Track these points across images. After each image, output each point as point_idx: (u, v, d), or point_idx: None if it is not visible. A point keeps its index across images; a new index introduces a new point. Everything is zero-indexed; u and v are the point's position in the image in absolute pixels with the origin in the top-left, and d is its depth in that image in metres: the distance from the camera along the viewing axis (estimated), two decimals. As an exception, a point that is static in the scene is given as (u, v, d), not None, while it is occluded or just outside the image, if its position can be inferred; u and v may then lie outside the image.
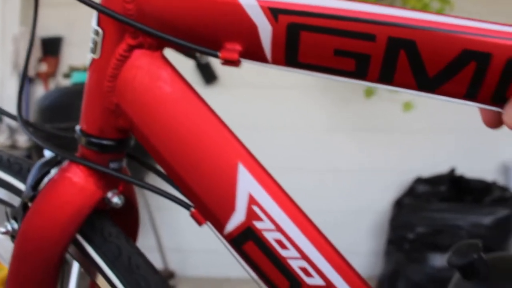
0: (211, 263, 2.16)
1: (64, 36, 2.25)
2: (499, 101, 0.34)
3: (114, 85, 0.44)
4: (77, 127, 0.48)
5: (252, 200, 0.41)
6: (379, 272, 2.08)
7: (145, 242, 2.06)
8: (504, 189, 2.05)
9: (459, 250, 0.37)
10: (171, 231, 2.23)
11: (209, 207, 0.42)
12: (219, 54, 0.40)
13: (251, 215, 0.41)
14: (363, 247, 2.23)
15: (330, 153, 2.22)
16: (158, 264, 2.05)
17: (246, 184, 0.41)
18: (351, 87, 2.16)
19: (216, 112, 0.45)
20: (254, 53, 0.39)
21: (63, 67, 2.22)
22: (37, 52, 2.20)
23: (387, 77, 0.36)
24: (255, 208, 0.41)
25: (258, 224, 0.41)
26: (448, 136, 2.22)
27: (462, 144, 2.22)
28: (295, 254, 0.41)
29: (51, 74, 2.26)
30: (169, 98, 0.43)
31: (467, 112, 2.19)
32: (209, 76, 2.18)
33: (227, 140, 0.43)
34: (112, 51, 0.43)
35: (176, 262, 2.18)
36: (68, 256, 0.50)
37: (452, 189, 2.10)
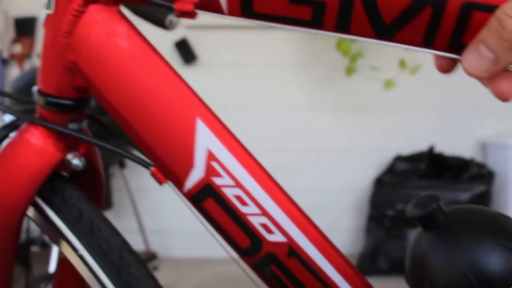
0: (193, 244, 2.16)
1: (38, 16, 2.20)
2: (456, 48, 0.34)
3: (70, 41, 0.42)
4: (35, 88, 0.47)
5: (211, 156, 0.41)
6: (360, 249, 2.11)
7: (126, 224, 2.05)
8: (481, 166, 2.08)
9: (419, 202, 0.37)
10: (152, 213, 2.22)
11: (168, 165, 0.42)
12: (174, 5, 0.39)
13: (210, 172, 0.41)
14: (344, 224, 2.25)
15: (311, 132, 2.23)
16: (139, 245, 2.04)
17: (205, 140, 0.41)
18: (331, 65, 2.15)
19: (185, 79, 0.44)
20: (209, 4, 0.38)
21: (39, 48, 2.17)
22: (10, 32, 2.15)
23: (344, 26, 0.36)
24: (214, 164, 0.41)
25: (217, 180, 0.41)
26: (428, 114, 2.24)
27: (441, 122, 2.24)
28: (255, 210, 0.41)
29: (26, 55, 2.22)
30: (126, 53, 0.42)
31: (447, 91, 2.22)
32: (187, 55, 2.16)
33: (185, 96, 0.42)
34: (67, 6, 0.42)
35: (157, 244, 2.18)
36: (47, 238, 0.49)
37: (431, 166, 2.12)
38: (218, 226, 0.42)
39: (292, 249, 0.41)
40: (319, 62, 2.19)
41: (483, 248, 0.33)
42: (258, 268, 0.42)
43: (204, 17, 0.41)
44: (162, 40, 2.26)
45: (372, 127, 2.23)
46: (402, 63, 2.05)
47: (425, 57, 0.35)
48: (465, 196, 1.98)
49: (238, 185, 0.41)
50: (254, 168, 0.42)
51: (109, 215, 2.14)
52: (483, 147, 2.26)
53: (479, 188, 1.99)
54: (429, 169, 2.11)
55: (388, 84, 2.07)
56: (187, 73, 2.28)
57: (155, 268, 1.98)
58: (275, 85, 2.21)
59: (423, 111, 2.24)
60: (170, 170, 0.42)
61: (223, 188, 0.41)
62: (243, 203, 0.41)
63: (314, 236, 0.42)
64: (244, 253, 0.42)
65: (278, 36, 2.14)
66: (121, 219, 2.08)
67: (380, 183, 2.11)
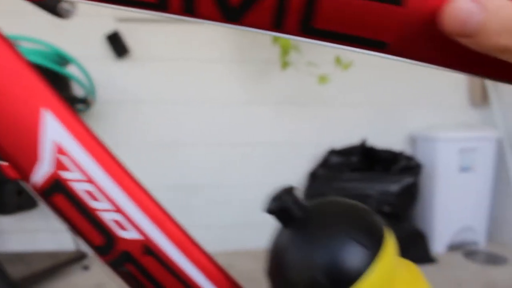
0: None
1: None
2: (308, 32, 0.33)
3: None
4: None
5: (59, 150, 0.39)
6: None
7: (55, 224, 1.98)
8: (410, 158, 2.15)
9: (275, 196, 0.36)
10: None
11: (13, 159, 0.39)
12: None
13: (58, 166, 0.38)
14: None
15: (248, 126, 2.22)
16: (69, 245, 1.97)
17: (52, 133, 0.39)
18: (267, 59, 2.16)
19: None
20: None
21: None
22: None
23: (189, 8, 0.34)
24: (63, 158, 0.39)
25: (66, 175, 0.39)
26: (360, 109, 2.29)
27: (373, 117, 2.30)
28: (107, 206, 0.39)
29: None
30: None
31: (378, 87, 2.28)
32: (120, 48, 2.10)
33: (30, 85, 0.39)
34: None
35: (90, 242, 2.11)
36: None
37: (363, 159, 2.18)
38: (70, 223, 0.40)
39: (147, 247, 0.40)
40: (256, 56, 2.19)
41: (334, 244, 0.33)
42: (115, 267, 0.41)
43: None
44: (93, 33, 2.20)
45: (308, 121, 2.25)
46: (338, 60, 2.08)
47: (358, 53, 0.33)
48: (394, 187, 2.04)
49: (89, 180, 0.39)
50: (108, 163, 0.40)
51: (37, 215, 2.05)
52: (413, 140, 2.34)
53: (407, 180, 2.06)
54: (361, 162, 2.16)
55: (322, 79, 2.10)
56: (120, 67, 2.23)
57: (86, 268, 1.92)
58: (211, 79, 2.19)
59: (355, 106, 2.29)
60: (15, 164, 0.39)
61: (72, 183, 0.39)
62: (94, 198, 0.39)
63: (173, 234, 0.41)
64: (99, 251, 0.40)
65: (214, 30, 2.12)
66: (48, 219, 2.01)
67: (314, 176, 2.14)
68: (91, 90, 1.97)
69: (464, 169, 2.19)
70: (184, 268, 0.40)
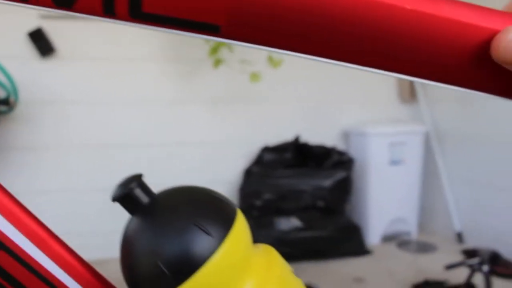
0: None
1: None
2: (138, 17, 0.32)
3: None
4: None
5: None
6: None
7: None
8: (342, 153, 2.19)
9: (121, 183, 0.35)
10: None
11: None
12: None
13: None
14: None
15: (180, 126, 2.20)
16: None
17: None
18: (199, 57, 2.14)
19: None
20: None
21: None
22: None
23: None
24: None
25: None
26: (293, 106, 2.32)
27: (306, 114, 2.34)
28: None
29: None
30: None
31: (310, 84, 2.32)
32: (44, 47, 2.02)
33: None
34: None
35: None
36: None
37: (297, 155, 2.20)
38: None
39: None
40: (187, 55, 2.17)
41: (177, 231, 0.31)
42: None
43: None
44: (14, 31, 2.10)
45: (240, 119, 2.25)
46: (270, 58, 2.10)
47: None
48: (327, 182, 2.08)
49: None
50: None
51: None
52: (345, 135, 2.39)
53: (340, 174, 2.10)
54: (295, 158, 2.19)
55: (254, 77, 2.11)
56: (45, 66, 2.14)
57: None
58: (141, 78, 2.15)
59: (288, 103, 2.31)
60: None
61: None
62: None
63: (27, 227, 0.38)
64: None
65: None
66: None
67: (248, 174, 2.14)
68: (13, 90, 1.88)
69: (394, 162, 2.26)
70: (42, 263, 0.38)
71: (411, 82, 2.46)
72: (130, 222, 0.34)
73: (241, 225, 0.35)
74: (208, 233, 0.31)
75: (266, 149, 2.20)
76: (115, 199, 0.34)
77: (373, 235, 2.27)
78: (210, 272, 0.31)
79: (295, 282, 0.38)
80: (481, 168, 2.15)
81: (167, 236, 0.31)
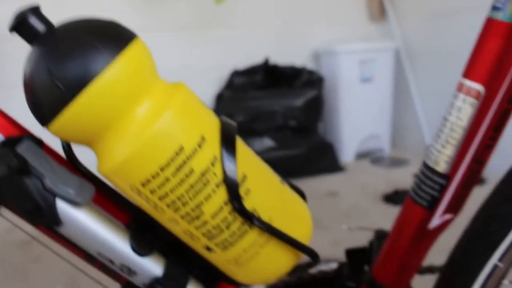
0: None
1: None
2: None
3: None
4: None
5: None
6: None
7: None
8: (311, 72, 2.19)
9: (17, 13, 0.34)
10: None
11: None
12: None
13: None
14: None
15: (148, 55, 2.16)
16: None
17: None
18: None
19: None
20: None
21: None
22: None
23: None
24: None
25: None
26: (261, 28, 2.29)
27: (275, 35, 2.31)
28: None
29: None
30: None
31: (278, 4, 2.28)
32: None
33: None
34: None
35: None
36: None
37: (267, 77, 2.20)
38: None
39: None
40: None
41: (69, 49, 0.32)
42: None
43: None
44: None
45: (208, 44, 2.22)
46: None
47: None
48: (299, 101, 2.09)
49: None
50: None
51: None
52: (316, 56, 2.38)
53: (311, 93, 2.11)
54: (265, 80, 2.19)
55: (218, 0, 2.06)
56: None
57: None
58: (105, 6, 2.09)
59: (256, 25, 2.28)
60: None
61: None
62: None
63: None
64: None
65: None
66: None
67: (220, 98, 2.14)
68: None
69: (365, 80, 2.27)
70: None
71: (381, 0, 2.43)
72: (30, 53, 0.34)
73: (138, 50, 0.36)
74: (99, 50, 0.32)
75: (236, 73, 2.19)
76: (12, 28, 0.34)
77: (347, 153, 2.31)
78: (103, 87, 0.32)
79: (203, 111, 0.39)
80: (452, 83, 2.13)
81: (61, 55, 0.32)
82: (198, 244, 0.38)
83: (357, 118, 2.30)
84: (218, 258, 0.39)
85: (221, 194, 0.36)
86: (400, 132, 2.48)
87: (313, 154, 2.11)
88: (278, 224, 0.39)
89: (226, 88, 2.16)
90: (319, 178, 2.10)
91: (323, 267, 0.60)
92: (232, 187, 0.36)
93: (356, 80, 2.25)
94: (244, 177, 0.37)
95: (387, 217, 1.32)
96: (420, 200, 0.45)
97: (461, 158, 0.41)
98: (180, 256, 0.43)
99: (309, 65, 2.35)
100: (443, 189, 0.43)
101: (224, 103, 2.10)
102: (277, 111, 2.07)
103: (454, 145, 0.41)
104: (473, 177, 0.42)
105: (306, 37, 2.36)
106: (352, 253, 0.58)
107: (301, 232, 0.42)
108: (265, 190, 0.39)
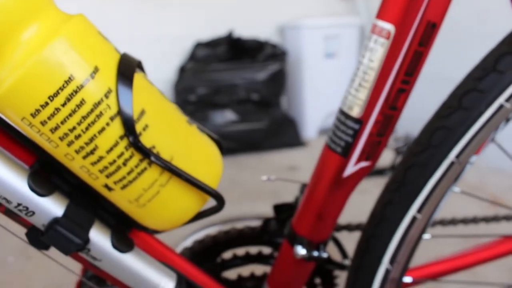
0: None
1: None
2: None
3: None
4: None
5: None
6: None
7: None
8: (274, 46, 2.18)
9: None
10: None
11: None
12: None
13: None
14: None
15: (105, 27, 2.09)
16: None
17: None
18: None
19: None
20: None
21: None
22: None
23: None
24: None
25: None
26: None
27: (240, 8, 2.28)
28: None
29: None
30: None
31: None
32: None
33: None
34: None
35: None
36: None
37: (230, 50, 2.17)
38: None
39: None
40: None
41: None
42: None
43: None
44: None
45: (171, 15, 2.18)
46: None
47: None
48: (261, 75, 2.07)
49: None
50: None
51: None
52: (280, 30, 2.36)
53: (273, 67, 2.10)
54: (228, 52, 2.16)
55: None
56: None
57: None
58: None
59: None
60: None
61: None
62: None
63: None
64: None
65: None
66: None
67: (182, 71, 2.11)
68: None
69: (329, 55, 2.27)
70: None
71: (348, -24, 2.42)
72: None
73: None
74: None
75: (199, 45, 2.15)
76: None
77: (310, 129, 2.32)
78: None
79: (100, 42, 0.37)
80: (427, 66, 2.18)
81: None
82: (97, 182, 0.37)
83: (321, 94, 2.30)
84: (120, 199, 0.38)
85: (116, 128, 0.34)
86: (363, 109, 2.49)
87: (275, 128, 2.11)
88: (180, 164, 0.38)
89: (188, 60, 2.12)
90: (280, 152, 2.10)
91: (252, 223, 0.60)
92: (127, 121, 0.34)
93: (320, 55, 2.24)
94: (142, 112, 0.36)
95: (357, 190, 1.34)
96: (334, 147, 0.44)
97: (374, 102, 0.41)
98: (87, 200, 0.41)
99: (274, 39, 2.33)
100: (356, 134, 0.42)
101: (186, 75, 2.07)
102: (240, 84, 2.05)
103: (367, 88, 0.41)
104: (387, 123, 0.42)
105: (272, 10, 2.33)
106: (279, 208, 0.57)
107: (208, 175, 0.41)
108: (166, 128, 0.38)
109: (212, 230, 0.59)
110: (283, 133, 2.13)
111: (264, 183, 1.82)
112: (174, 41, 2.18)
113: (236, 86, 2.04)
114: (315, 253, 0.48)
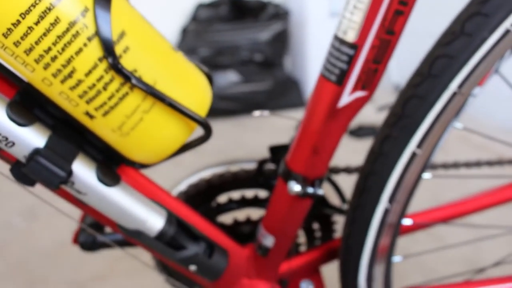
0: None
1: None
2: None
3: None
4: None
5: None
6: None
7: None
8: (277, 6, 2.12)
9: None
10: None
11: None
12: None
13: None
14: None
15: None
16: None
17: None
18: None
19: None
20: None
21: None
22: None
23: None
24: None
25: None
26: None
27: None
28: None
29: None
30: None
31: None
32: None
33: None
34: None
35: None
36: None
37: (232, 10, 2.12)
38: None
39: None
40: None
41: None
42: None
43: None
44: None
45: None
46: None
47: None
48: (264, 34, 2.03)
49: None
50: None
51: None
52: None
53: (276, 27, 2.05)
54: (230, 13, 2.11)
55: None
56: None
57: None
58: None
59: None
60: None
61: None
62: None
63: None
64: None
65: None
66: None
67: (184, 32, 2.07)
68: None
69: (334, 14, 2.21)
70: None
71: None
72: None
73: None
74: None
75: (201, 6, 2.10)
76: None
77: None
78: None
79: None
80: (422, 20, 2.12)
81: None
82: (78, 109, 0.35)
83: (324, 54, 2.24)
84: (102, 128, 0.37)
85: (94, 49, 0.33)
86: (369, 70, 2.45)
87: (278, 89, 2.07)
88: (165, 89, 0.36)
89: (190, 22, 2.08)
90: (284, 113, 2.07)
91: (247, 165, 0.59)
92: (106, 41, 0.32)
93: (324, 14, 2.18)
94: (123, 34, 0.34)
95: (351, 151, 1.32)
96: (329, 75, 0.42)
97: (369, 25, 0.38)
98: (70, 133, 0.40)
99: (275, -2, 2.27)
100: (351, 60, 0.40)
101: (189, 36, 2.03)
102: (242, 45, 2.01)
103: (362, 10, 0.38)
104: (384, 48, 0.40)
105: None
106: (275, 150, 0.56)
107: (195, 103, 0.39)
108: (149, 51, 0.36)
109: (207, 173, 0.58)
110: (286, 94, 2.10)
111: (268, 145, 1.81)
112: (175, 2, 2.13)
113: (239, 47, 2.00)
114: (310, 190, 0.46)
